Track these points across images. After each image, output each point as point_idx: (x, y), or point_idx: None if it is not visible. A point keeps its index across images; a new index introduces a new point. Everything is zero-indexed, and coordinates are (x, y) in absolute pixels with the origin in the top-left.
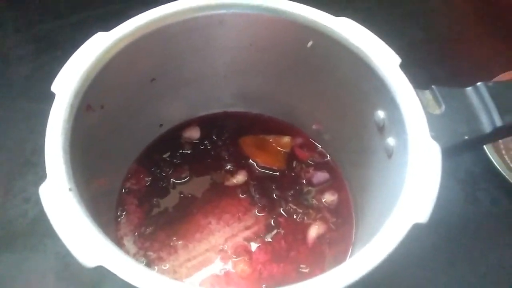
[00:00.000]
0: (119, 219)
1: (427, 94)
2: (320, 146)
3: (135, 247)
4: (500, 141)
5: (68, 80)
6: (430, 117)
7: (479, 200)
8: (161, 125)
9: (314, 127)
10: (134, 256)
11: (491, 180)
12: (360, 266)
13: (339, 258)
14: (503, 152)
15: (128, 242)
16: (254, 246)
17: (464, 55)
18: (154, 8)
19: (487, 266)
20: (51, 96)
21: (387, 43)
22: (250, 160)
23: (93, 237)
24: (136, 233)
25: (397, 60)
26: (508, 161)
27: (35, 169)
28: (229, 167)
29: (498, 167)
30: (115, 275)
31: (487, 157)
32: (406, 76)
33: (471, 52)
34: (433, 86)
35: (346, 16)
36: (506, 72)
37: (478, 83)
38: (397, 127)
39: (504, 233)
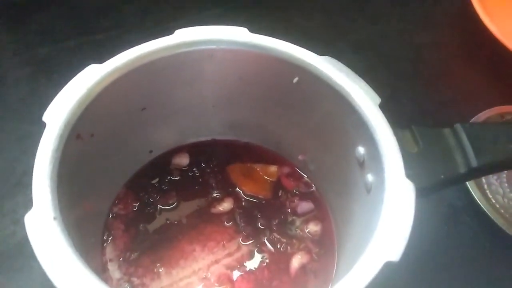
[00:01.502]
0: (105, 244)
1: (406, 133)
2: (306, 176)
3: (120, 272)
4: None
5: (59, 111)
6: (408, 155)
7: (461, 234)
8: (151, 151)
9: (300, 157)
10: (118, 281)
11: (473, 214)
12: None
13: None
14: (485, 187)
15: (112, 267)
16: (236, 274)
17: (451, 90)
18: (147, 42)
19: None
20: (45, 126)
21: (375, 75)
22: (237, 188)
23: (74, 268)
24: (121, 258)
25: (377, 99)
26: (490, 196)
27: (25, 190)
28: (216, 194)
29: (479, 202)
30: None
31: (469, 192)
32: (393, 108)
33: (458, 87)
34: (412, 126)
35: (334, 49)
36: (493, 107)
37: (456, 124)
38: (375, 164)
39: (484, 268)
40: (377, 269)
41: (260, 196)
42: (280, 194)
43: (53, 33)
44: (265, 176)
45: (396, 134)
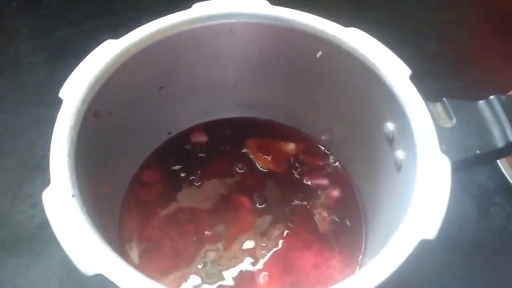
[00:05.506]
0: (122, 225)
1: (438, 106)
2: (330, 154)
3: (137, 250)
4: None
5: (76, 87)
6: (441, 130)
7: (493, 216)
8: (169, 133)
9: (323, 137)
10: (136, 259)
11: (505, 195)
12: (363, 283)
13: (347, 271)
14: None
15: (130, 248)
16: (257, 251)
17: (477, 67)
18: (164, 17)
19: (500, 282)
20: (62, 103)
21: (399, 54)
22: (256, 163)
23: (93, 245)
24: (138, 239)
25: (407, 71)
26: None
27: (43, 174)
28: (235, 169)
29: None
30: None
31: (501, 172)
32: (419, 87)
33: (485, 65)
34: (444, 99)
35: (357, 27)
36: None
37: (491, 96)
38: (406, 139)
39: None
40: (412, 247)
41: (278, 171)
42: (299, 171)
43: (67, 17)
44: (284, 152)
45: (427, 107)
